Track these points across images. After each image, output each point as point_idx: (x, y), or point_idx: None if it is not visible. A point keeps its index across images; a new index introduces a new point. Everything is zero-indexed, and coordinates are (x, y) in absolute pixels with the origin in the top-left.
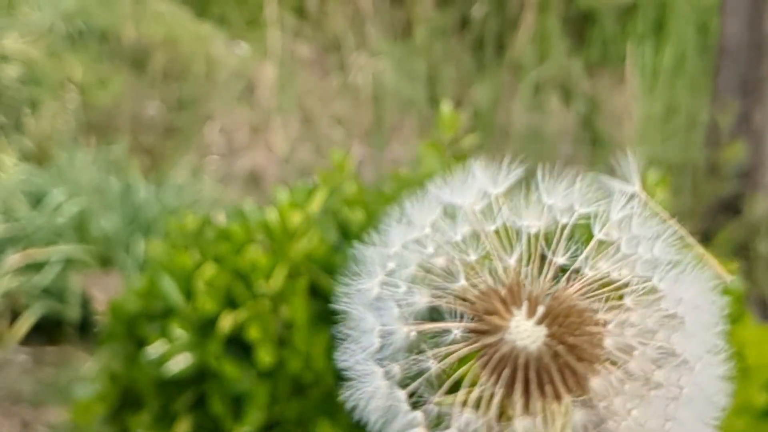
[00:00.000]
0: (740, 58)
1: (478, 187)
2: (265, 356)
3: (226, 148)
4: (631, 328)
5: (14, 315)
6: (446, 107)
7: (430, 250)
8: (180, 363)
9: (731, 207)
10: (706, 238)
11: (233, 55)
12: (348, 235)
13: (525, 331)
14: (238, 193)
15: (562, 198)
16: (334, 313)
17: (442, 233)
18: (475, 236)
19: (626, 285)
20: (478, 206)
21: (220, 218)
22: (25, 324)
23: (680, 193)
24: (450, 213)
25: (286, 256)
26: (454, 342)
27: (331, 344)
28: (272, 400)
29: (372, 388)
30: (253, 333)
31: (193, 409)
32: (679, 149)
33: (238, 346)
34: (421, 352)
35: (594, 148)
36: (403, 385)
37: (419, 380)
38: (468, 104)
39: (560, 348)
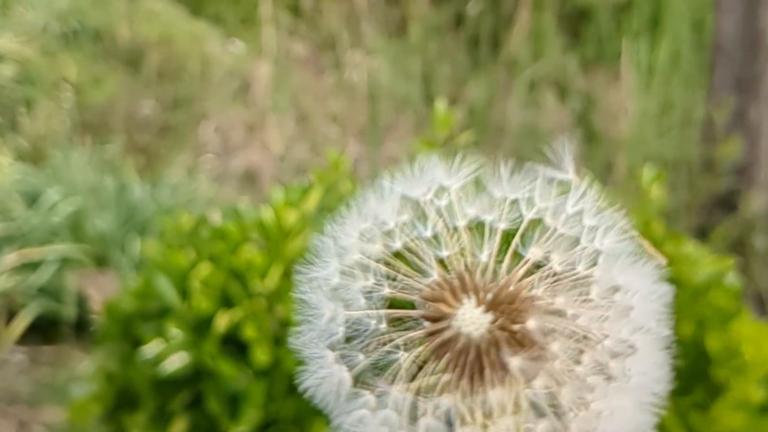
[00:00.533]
0: (735, 55)
1: (434, 179)
2: (260, 355)
3: (221, 147)
4: (577, 316)
5: (10, 314)
6: (441, 105)
7: (383, 240)
8: (176, 362)
9: (727, 203)
10: (701, 234)
11: (228, 53)
12: None
13: (470, 318)
14: (233, 191)
15: (522, 192)
16: None
17: (398, 224)
18: (428, 225)
19: (578, 275)
20: (439, 200)
21: (216, 217)
22: (21, 323)
23: (676, 189)
24: (407, 205)
25: (282, 255)
26: (406, 329)
27: None
28: (268, 398)
29: (324, 372)
30: (249, 332)
31: (189, 409)
32: (674, 146)
33: (234, 345)
34: (374, 337)
35: (590, 145)
36: (354, 368)
37: (367, 364)
38: (463, 102)
39: (498, 334)
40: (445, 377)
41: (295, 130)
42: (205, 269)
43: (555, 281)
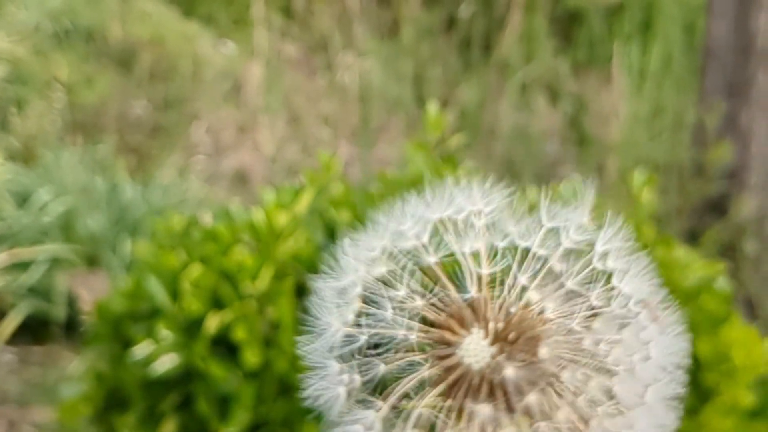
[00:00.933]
0: (727, 59)
1: (466, 202)
2: (251, 357)
3: (212, 148)
4: (588, 360)
5: (0, 314)
6: (433, 107)
7: (411, 255)
8: (166, 363)
9: (718, 207)
10: (692, 238)
11: (220, 54)
12: (335, 235)
13: (474, 350)
14: (224, 192)
15: (560, 221)
16: None
17: (431, 241)
18: (466, 244)
19: (598, 315)
20: (478, 220)
21: (207, 219)
22: (11, 323)
23: (667, 193)
24: (431, 225)
25: (273, 256)
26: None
27: None
28: (258, 400)
29: (324, 383)
30: (240, 333)
31: (179, 410)
32: (665, 149)
33: (225, 346)
34: (379, 354)
35: (581, 148)
36: (369, 377)
37: (372, 379)
38: (455, 104)
39: (495, 370)
40: (440, 404)
41: (287, 132)
42: (195, 270)
43: (571, 319)
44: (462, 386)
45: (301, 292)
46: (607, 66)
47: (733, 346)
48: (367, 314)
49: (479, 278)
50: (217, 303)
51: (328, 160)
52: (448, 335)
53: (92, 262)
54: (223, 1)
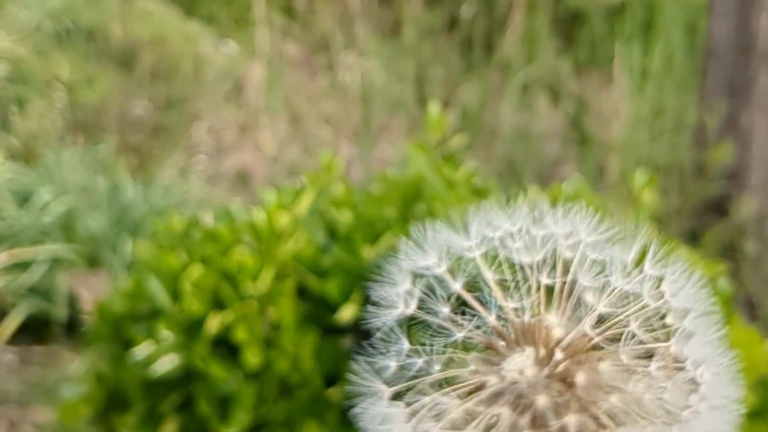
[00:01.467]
0: (728, 60)
1: (570, 228)
2: (251, 357)
3: (213, 148)
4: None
5: (1, 314)
6: (434, 107)
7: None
8: (167, 364)
9: (718, 208)
10: (693, 239)
11: (221, 54)
12: (335, 236)
13: (515, 364)
14: (225, 193)
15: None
16: (321, 314)
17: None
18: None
19: (655, 350)
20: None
21: (207, 219)
22: (11, 323)
23: (668, 193)
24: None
25: (274, 257)
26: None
27: (319, 345)
28: (259, 401)
29: (388, 357)
30: (240, 334)
31: (179, 410)
32: (666, 150)
33: (225, 347)
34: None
35: (582, 148)
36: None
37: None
38: (456, 104)
39: (525, 393)
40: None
41: (288, 132)
42: (196, 271)
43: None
44: (485, 392)
45: (302, 292)
46: (608, 66)
47: (733, 347)
48: (470, 314)
49: (583, 311)
50: (217, 303)
51: (329, 160)
52: (500, 345)
53: (93, 262)
54: (224, 0)
